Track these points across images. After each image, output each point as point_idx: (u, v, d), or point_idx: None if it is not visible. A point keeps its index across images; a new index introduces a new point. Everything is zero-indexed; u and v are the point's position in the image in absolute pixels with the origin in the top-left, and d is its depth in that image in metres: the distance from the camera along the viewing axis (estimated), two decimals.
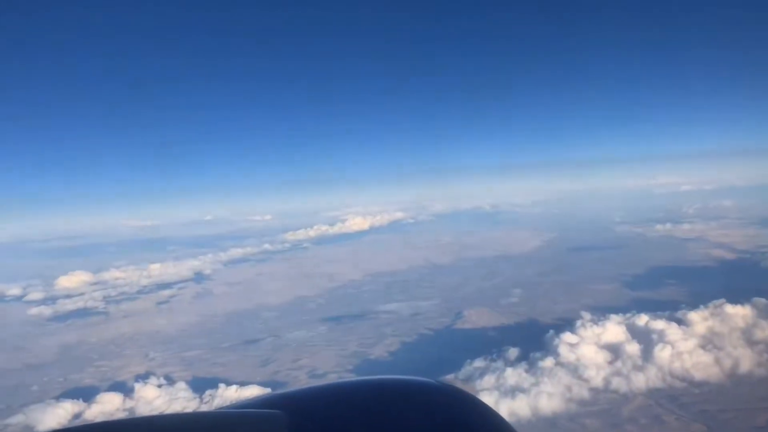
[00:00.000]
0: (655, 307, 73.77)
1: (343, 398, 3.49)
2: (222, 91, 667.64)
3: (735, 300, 67.20)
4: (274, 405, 3.24)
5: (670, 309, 69.94)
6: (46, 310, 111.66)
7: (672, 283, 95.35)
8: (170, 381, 66.26)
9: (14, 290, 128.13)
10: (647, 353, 56.34)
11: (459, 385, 3.72)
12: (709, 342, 58.46)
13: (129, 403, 56.12)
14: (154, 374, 73.98)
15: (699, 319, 62.50)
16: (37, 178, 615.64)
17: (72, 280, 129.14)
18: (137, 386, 60.31)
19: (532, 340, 66.35)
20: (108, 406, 53.77)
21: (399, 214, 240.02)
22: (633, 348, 57.61)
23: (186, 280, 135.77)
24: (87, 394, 62.37)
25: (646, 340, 58.36)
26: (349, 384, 3.89)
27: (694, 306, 67.89)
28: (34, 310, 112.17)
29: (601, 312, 75.07)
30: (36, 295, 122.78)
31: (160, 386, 61.47)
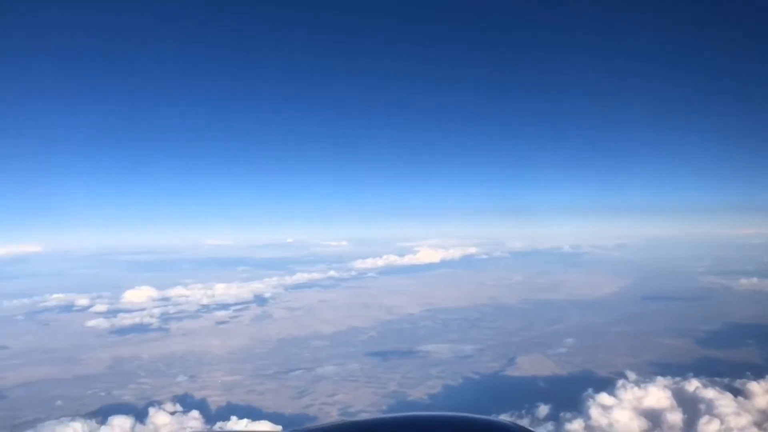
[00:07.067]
0: (723, 370, 67.57)
1: None
2: (313, 122, 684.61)
3: None
4: None
5: (736, 375, 63.52)
6: (106, 323, 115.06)
7: (749, 344, 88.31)
8: (187, 408, 65.89)
9: (83, 300, 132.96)
10: (690, 425, 50.43)
11: None
12: (767, 419, 51.86)
13: (139, 428, 55.75)
14: (191, 397, 74.48)
15: (761, 390, 55.75)
16: (136, 193, 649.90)
17: (138, 295, 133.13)
18: (152, 411, 59.88)
19: (573, 396, 61.71)
20: (117, 430, 53.44)
21: (473, 249, 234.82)
22: (675, 417, 51.66)
23: (247, 302, 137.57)
24: (115, 412, 62.66)
25: (692, 409, 52.29)
26: (417, 418, 4.14)
27: (761, 374, 61.22)
28: (94, 322, 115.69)
29: (664, 370, 69.59)
30: (101, 307, 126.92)
31: (173, 413, 60.87)
